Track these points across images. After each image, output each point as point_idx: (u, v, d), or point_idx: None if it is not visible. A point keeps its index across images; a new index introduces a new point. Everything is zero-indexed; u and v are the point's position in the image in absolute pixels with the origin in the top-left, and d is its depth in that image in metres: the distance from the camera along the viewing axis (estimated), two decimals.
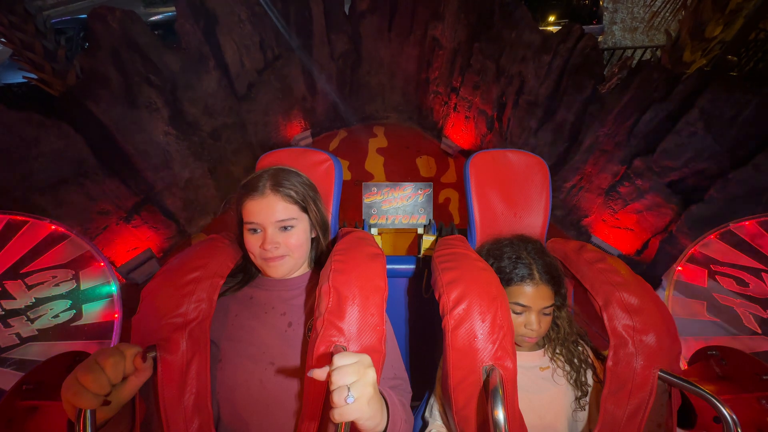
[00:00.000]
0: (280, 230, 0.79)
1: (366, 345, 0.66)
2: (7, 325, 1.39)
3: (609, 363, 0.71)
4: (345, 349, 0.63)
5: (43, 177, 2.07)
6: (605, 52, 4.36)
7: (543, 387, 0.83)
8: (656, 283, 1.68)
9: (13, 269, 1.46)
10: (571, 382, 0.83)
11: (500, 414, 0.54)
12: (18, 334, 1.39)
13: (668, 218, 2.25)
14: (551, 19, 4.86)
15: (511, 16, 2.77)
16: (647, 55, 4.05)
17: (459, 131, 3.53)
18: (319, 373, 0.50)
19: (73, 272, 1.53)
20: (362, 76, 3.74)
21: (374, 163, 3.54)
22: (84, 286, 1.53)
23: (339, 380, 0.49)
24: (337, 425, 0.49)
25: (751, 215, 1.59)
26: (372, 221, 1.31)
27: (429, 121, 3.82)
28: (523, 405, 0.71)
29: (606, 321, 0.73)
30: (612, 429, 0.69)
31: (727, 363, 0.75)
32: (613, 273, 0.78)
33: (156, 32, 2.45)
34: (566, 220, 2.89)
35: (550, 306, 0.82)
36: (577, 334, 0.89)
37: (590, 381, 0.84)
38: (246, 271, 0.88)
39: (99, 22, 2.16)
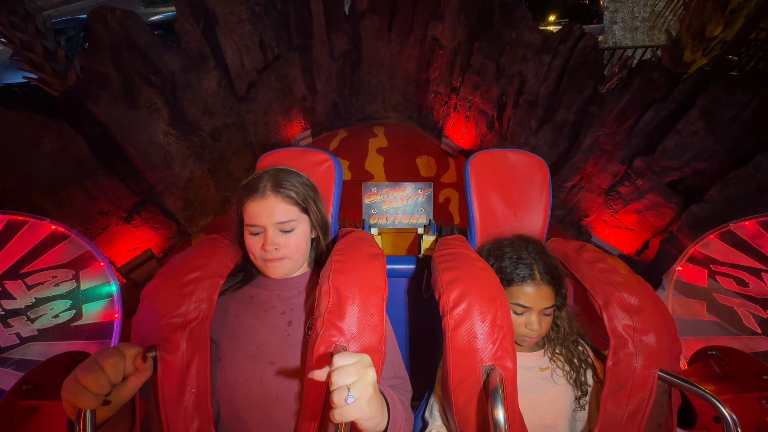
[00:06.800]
0: (280, 232, 0.79)
1: (366, 345, 0.66)
2: (7, 325, 1.39)
3: (609, 363, 0.71)
4: (345, 349, 0.63)
5: (44, 177, 2.07)
6: (605, 51, 4.36)
7: (543, 387, 0.83)
8: (656, 283, 1.68)
9: (13, 269, 1.45)
10: (571, 382, 0.83)
11: (500, 414, 0.54)
12: (18, 334, 1.39)
13: (668, 218, 2.25)
14: (551, 18, 4.86)
15: (511, 15, 2.76)
16: (648, 55, 4.05)
17: (459, 131, 3.52)
18: (319, 374, 0.50)
19: (73, 272, 1.53)
20: (362, 76, 3.73)
21: (374, 163, 3.53)
22: (84, 286, 1.53)
23: (339, 380, 0.49)
24: (337, 425, 0.49)
25: (751, 215, 1.59)
26: (372, 221, 1.31)
27: (429, 121, 3.82)
28: (523, 405, 0.71)
29: (606, 321, 0.73)
30: (612, 429, 0.69)
31: (727, 363, 0.75)
32: (613, 273, 0.78)
33: (156, 32, 2.44)
34: (566, 220, 2.88)
35: (551, 306, 0.82)
36: (577, 334, 0.89)
37: (590, 381, 0.84)
38: (246, 271, 0.88)
39: (99, 22, 2.16)
